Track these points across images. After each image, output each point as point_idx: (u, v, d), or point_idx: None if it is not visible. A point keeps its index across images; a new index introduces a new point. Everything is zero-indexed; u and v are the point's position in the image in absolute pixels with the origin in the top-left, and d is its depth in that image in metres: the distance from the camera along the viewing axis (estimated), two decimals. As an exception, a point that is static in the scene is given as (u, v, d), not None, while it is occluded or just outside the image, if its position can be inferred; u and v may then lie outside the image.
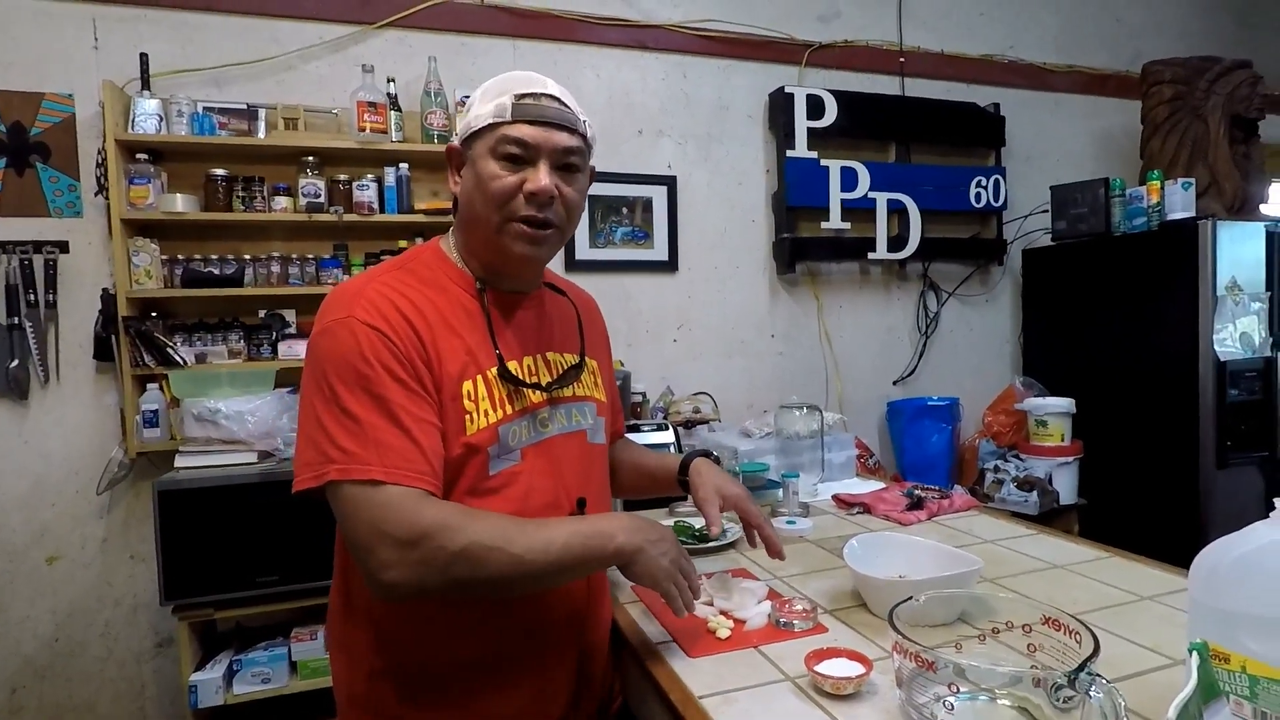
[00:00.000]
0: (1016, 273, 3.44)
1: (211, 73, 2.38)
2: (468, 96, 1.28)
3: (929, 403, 3.13)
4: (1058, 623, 0.83)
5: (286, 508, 1.81)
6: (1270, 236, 2.74)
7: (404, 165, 2.45)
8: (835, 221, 3.00)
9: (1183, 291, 2.71)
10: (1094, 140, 3.60)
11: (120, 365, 2.23)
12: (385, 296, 0.94)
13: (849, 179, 3.01)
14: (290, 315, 2.43)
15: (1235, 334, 2.68)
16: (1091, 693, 0.67)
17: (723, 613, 1.10)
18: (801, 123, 2.95)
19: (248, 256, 2.34)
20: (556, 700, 1.04)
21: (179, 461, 2.11)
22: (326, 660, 2.03)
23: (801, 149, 2.96)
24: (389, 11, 2.54)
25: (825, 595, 1.19)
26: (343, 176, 2.41)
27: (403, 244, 2.44)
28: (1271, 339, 2.74)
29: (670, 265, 2.93)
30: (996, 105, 3.29)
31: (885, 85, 3.20)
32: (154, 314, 2.27)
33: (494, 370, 0.98)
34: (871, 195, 3.05)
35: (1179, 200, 2.80)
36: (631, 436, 1.48)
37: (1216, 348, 2.65)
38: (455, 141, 1.02)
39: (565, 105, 0.98)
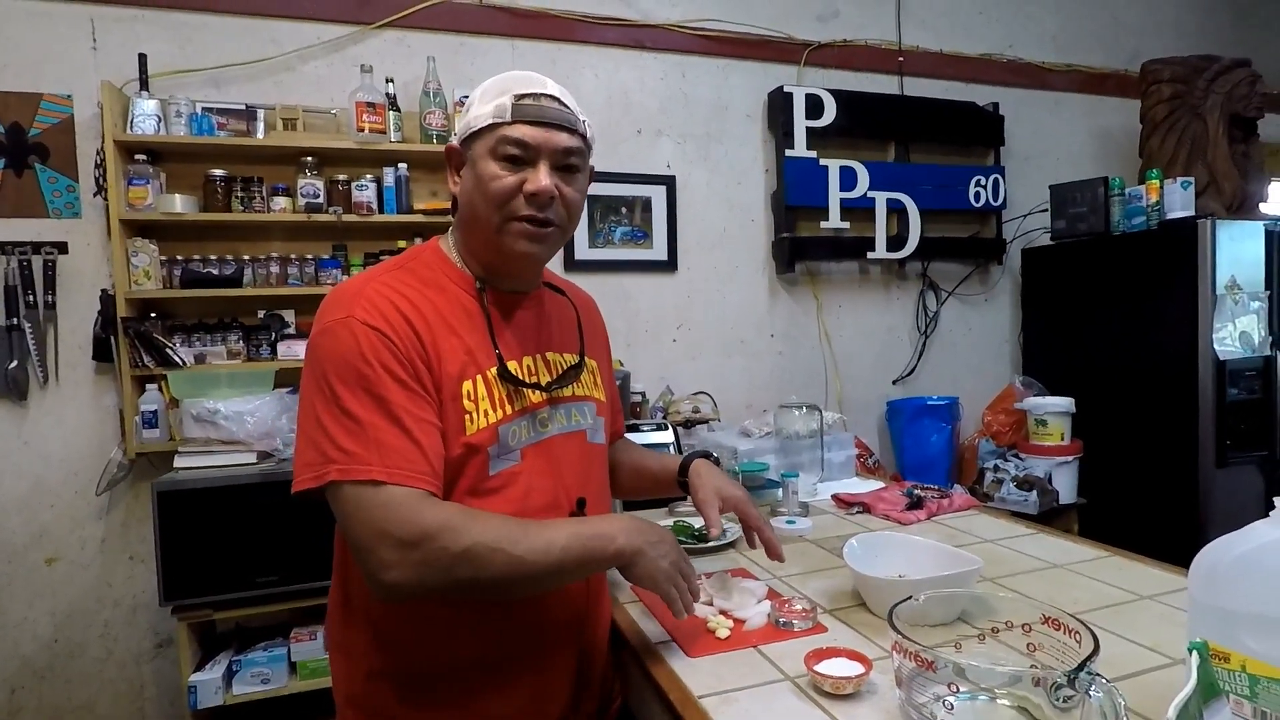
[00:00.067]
0: (1016, 272, 3.44)
1: (210, 73, 2.38)
2: (466, 96, 1.28)
3: (928, 402, 3.13)
4: (1057, 622, 0.82)
5: (286, 508, 1.81)
6: (1269, 235, 2.74)
7: (403, 165, 2.45)
8: (834, 221, 3.00)
9: (1182, 291, 2.71)
10: (1093, 139, 3.61)
11: (119, 366, 2.23)
12: (385, 296, 0.94)
13: (848, 178, 3.01)
14: (289, 315, 2.42)
15: (1235, 333, 2.68)
16: (1091, 692, 0.67)
17: (722, 612, 1.10)
18: (800, 122, 2.95)
19: (246, 257, 2.34)
20: (556, 700, 1.04)
21: (178, 462, 2.11)
22: (326, 660, 2.02)
23: (800, 148, 2.96)
24: (387, 12, 2.54)
25: (825, 595, 1.19)
26: (341, 177, 2.41)
27: (402, 244, 2.44)
28: (1271, 338, 2.74)
29: (669, 265, 2.93)
30: (995, 104, 3.29)
31: (884, 85, 3.20)
32: (153, 315, 2.27)
33: (494, 370, 0.98)
34: (871, 195, 3.05)
35: (1178, 199, 2.80)
36: (631, 436, 1.48)
37: (1216, 347, 2.66)
38: (454, 141, 1.02)
39: (565, 105, 0.98)
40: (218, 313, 2.37)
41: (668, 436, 2.29)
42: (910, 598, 0.89)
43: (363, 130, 2.35)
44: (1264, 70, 3.04)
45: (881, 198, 3.07)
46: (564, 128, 0.97)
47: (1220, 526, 0.77)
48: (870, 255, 3.10)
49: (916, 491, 1.71)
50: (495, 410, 0.97)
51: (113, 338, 2.22)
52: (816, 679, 0.89)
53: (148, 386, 2.23)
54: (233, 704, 2.09)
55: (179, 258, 2.30)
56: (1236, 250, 2.68)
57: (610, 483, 1.24)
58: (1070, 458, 2.89)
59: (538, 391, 1.03)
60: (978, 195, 3.23)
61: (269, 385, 2.22)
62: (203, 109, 2.29)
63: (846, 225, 3.02)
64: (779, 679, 0.93)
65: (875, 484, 1.92)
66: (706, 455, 1.27)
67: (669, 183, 2.91)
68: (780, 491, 1.67)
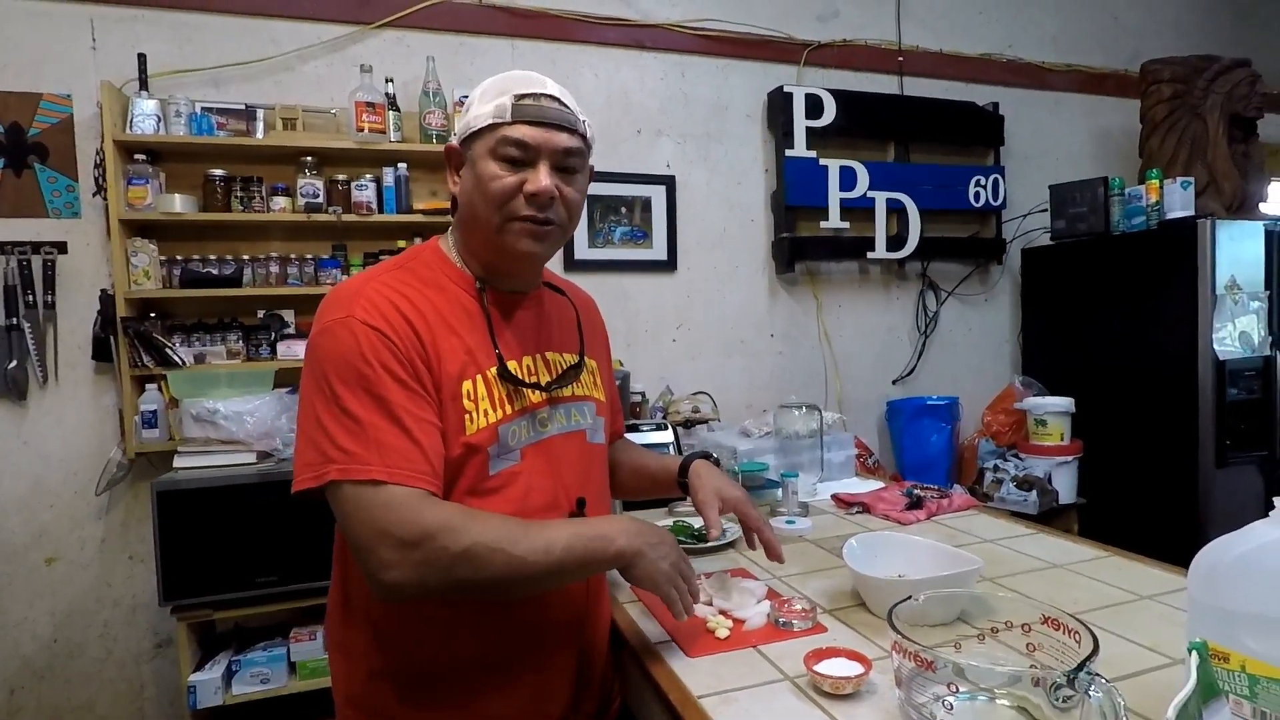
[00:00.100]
0: (1015, 272, 3.44)
1: (210, 73, 2.38)
2: (466, 96, 1.28)
3: (928, 402, 3.13)
4: (1057, 622, 0.82)
5: (285, 508, 1.81)
6: (1269, 235, 2.74)
7: (402, 165, 2.45)
8: (834, 221, 3.00)
9: (1182, 290, 2.71)
10: (1093, 139, 3.61)
11: (119, 366, 2.23)
12: (385, 296, 0.94)
13: (848, 178, 3.01)
14: (289, 315, 2.42)
15: (1234, 333, 2.68)
16: (1091, 692, 0.67)
17: (722, 612, 1.10)
18: (800, 122, 2.95)
19: (246, 257, 2.34)
20: (556, 700, 1.04)
21: (178, 462, 2.11)
22: (325, 660, 2.01)
23: (800, 148, 2.95)
24: (387, 11, 2.54)
25: (824, 595, 1.19)
26: (341, 176, 2.41)
27: (401, 244, 2.44)
28: (1270, 338, 2.74)
29: (669, 265, 2.93)
30: (995, 104, 3.29)
31: (884, 84, 3.20)
32: (152, 314, 2.27)
33: (493, 370, 0.98)
34: (870, 194, 3.04)
35: (1178, 199, 2.80)
36: (630, 436, 1.48)
37: (1216, 347, 2.66)
38: (454, 141, 1.02)
39: (565, 105, 0.98)
40: (217, 312, 2.37)
41: (667, 436, 2.29)
42: (910, 598, 0.89)
43: (362, 130, 2.35)
44: (1264, 70, 3.04)
45: (881, 198, 3.07)
46: (564, 128, 0.97)
47: (1220, 526, 0.77)
48: (870, 255, 3.09)
49: (916, 491, 1.71)
50: (495, 410, 0.97)
51: (112, 337, 2.22)
52: (816, 679, 0.89)
53: (147, 386, 2.23)
54: (232, 704, 2.09)
55: (178, 257, 2.30)
56: (1236, 250, 2.68)
57: (610, 483, 1.24)
58: (1070, 458, 2.89)
59: (537, 391, 1.03)
60: (977, 195, 3.23)
61: (268, 385, 2.22)
62: (202, 109, 2.29)
63: (846, 225, 3.01)
64: (778, 679, 0.93)
65: (875, 484, 1.92)
66: (706, 456, 1.27)
67: (669, 183, 2.91)
68: (780, 491, 1.67)
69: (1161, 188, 2.85)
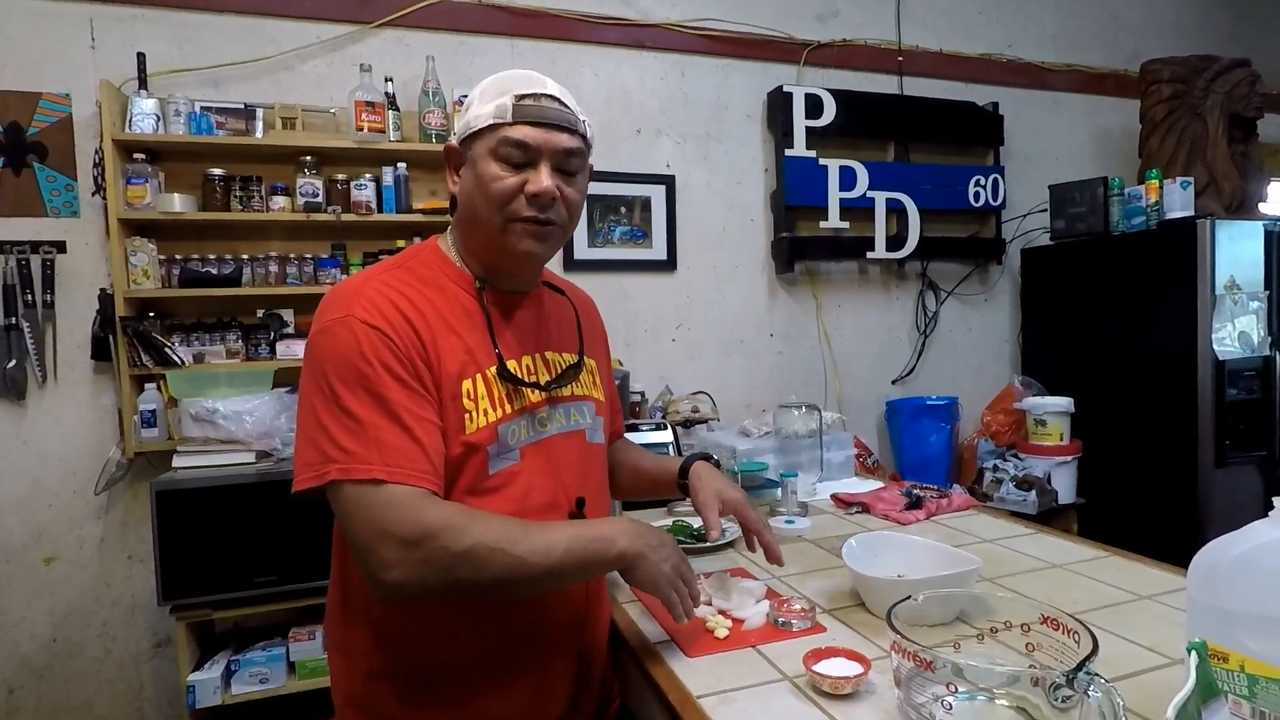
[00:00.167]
0: (1015, 272, 3.44)
1: (209, 72, 2.38)
2: (465, 96, 1.28)
3: (928, 402, 3.13)
4: (1056, 622, 0.82)
5: (285, 508, 1.81)
6: (1269, 235, 2.74)
7: (402, 165, 2.45)
8: (834, 221, 3.00)
9: (1181, 291, 2.71)
10: (1092, 139, 3.61)
11: (118, 365, 2.22)
12: (384, 295, 0.93)
13: (847, 178, 3.01)
14: (288, 315, 2.42)
15: (1234, 333, 2.69)
16: (1090, 692, 0.67)
17: (721, 612, 1.10)
18: (800, 122, 2.95)
19: (245, 256, 2.34)
20: (555, 701, 1.04)
21: (177, 461, 2.11)
22: (324, 660, 2.02)
23: (800, 148, 2.95)
24: (386, 11, 2.54)
25: (824, 595, 1.19)
26: (340, 176, 2.41)
27: (401, 243, 2.44)
28: (1270, 338, 2.74)
29: (669, 265, 2.93)
30: (995, 104, 3.29)
31: (884, 84, 3.20)
32: (152, 314, 2.27)
33: (493, 369, 0.98)
34: (870, 194, 3.04)
35: (1177, 199, 2.80)
36: (630, 436, 1.48)
37: (1215, 347, 2.66)
38: (454, 141, 1.02)
39: (565, 106, 0.98)
40: (216, 312, 2.37)
41: (667, 436, 2.29)
42: (909, 597, 0.89)
43: (362, 129, 2.35)
44: (1263, 70, 3.04)
45: (881, 197, 3.07)
46: (564, 128, 0.97)
47: (1219, 526, 0.77)
48: (870, 255, 3.09)
49: (915, 491, 1.71)
50: (495, 409, 0.97)
51: (111, 337, 2.22)
52: (815, 679, 0.89)
53: (146, 386, 2.23)
54: (231, 704, 2.09)
55: (178, 257, 2.30)
56: (1236, 250, 2.68)
57: (609, 483, 1.24)
58: (1069, 458, 2.89)
59: (537, 391, 1.03)
60: (977, 195, 3.23)
61: (268, 385, 2.22)
62: (201, 108, 2.28)
63: (846, 225, 3.01)
64: (778, 679, 0.93)
65: (874, 484, 1.92)
66: (706, 457, 1.27)
67: (668, 182, 2.91)
68: (779, 491, 1.67)
69: (1161, 188, 2.85)
